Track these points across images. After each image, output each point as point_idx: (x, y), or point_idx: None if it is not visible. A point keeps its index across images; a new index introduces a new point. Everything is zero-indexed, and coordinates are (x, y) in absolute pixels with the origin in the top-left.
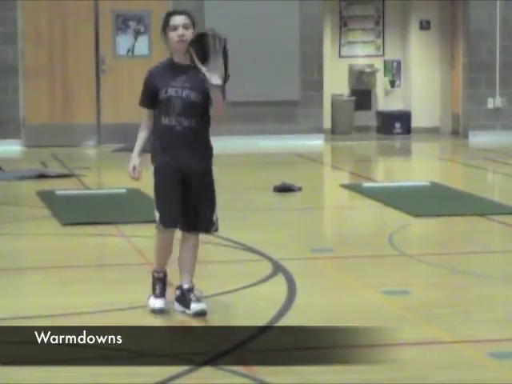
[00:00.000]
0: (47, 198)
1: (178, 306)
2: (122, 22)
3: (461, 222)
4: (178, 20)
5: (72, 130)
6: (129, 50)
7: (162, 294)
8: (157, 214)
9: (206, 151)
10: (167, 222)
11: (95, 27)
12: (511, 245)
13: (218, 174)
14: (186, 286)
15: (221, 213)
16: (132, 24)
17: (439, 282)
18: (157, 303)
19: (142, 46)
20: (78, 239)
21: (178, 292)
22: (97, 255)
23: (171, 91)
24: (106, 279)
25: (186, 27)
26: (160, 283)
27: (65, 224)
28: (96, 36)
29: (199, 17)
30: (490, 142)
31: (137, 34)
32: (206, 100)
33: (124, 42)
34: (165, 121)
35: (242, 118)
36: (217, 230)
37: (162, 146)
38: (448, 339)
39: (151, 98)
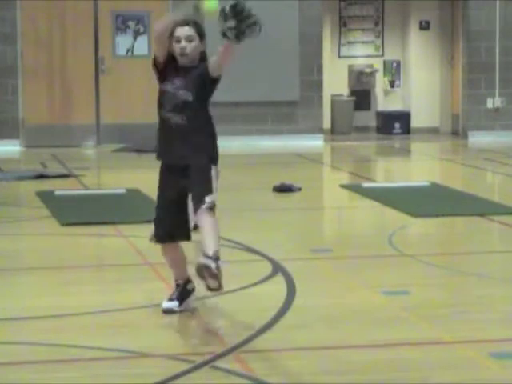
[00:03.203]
0: (46, 198)
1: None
2: (122, 22)
3: (461, 222)
4: (181, 32)
5: (71, 131)
6: (128, 50)
7: (176, 299)
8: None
9: (199, 151)
10: (160, 238)
11: (95, 27)
12: (511, 245)
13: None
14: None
15: (221, 213)
16: (131, 24)
17: (439, 282)
18: (166, 304)
19: (142, 46)
20: (77, 239)
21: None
22: (96, 255)
23: (168, 85)
24: (106, 279)
25: (188, 40)
26: (177, 289)
27: (64, 224)
28: (95, 36)
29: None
30: (489, 143)
31: (136, 34)
32: (198, 99)
33: (123, 42)
34: (162, 113)
35: (242, 118)
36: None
37: (160, 138)
38: (448, 339)
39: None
